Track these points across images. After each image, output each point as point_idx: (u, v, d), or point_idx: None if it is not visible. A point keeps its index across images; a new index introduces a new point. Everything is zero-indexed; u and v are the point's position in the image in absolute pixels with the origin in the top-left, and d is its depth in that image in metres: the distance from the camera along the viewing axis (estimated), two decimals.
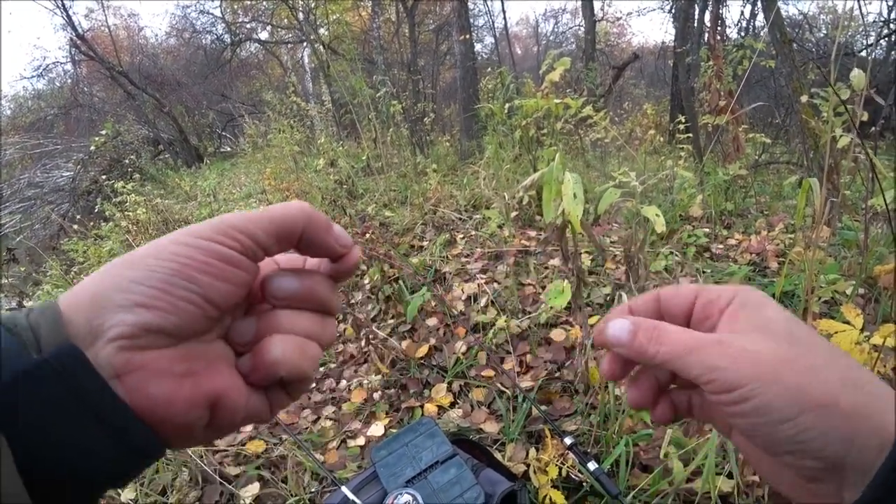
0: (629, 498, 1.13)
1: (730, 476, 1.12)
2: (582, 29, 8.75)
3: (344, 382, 1.86)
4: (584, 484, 1.20)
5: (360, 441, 1.54)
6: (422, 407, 1.60)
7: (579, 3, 8.24)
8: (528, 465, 1.25)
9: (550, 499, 1.12)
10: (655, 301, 0.33)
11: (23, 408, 0.20)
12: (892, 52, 6.62)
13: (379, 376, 1.76)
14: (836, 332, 0.98)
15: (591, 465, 1.14)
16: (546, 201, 1.22)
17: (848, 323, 1.00)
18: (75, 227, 5.51)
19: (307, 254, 0.29)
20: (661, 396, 0.33)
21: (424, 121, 4.96)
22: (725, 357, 0.26)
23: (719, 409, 0.27)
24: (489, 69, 5.60)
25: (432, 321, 1.93)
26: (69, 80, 12.17)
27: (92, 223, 6.13)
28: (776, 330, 0.27)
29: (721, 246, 2.63)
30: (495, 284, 2.04)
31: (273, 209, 0.27)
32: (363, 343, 1.94)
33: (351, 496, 0.96)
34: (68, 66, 12.00)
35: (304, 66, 11.80)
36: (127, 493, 1.46)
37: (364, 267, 2.26)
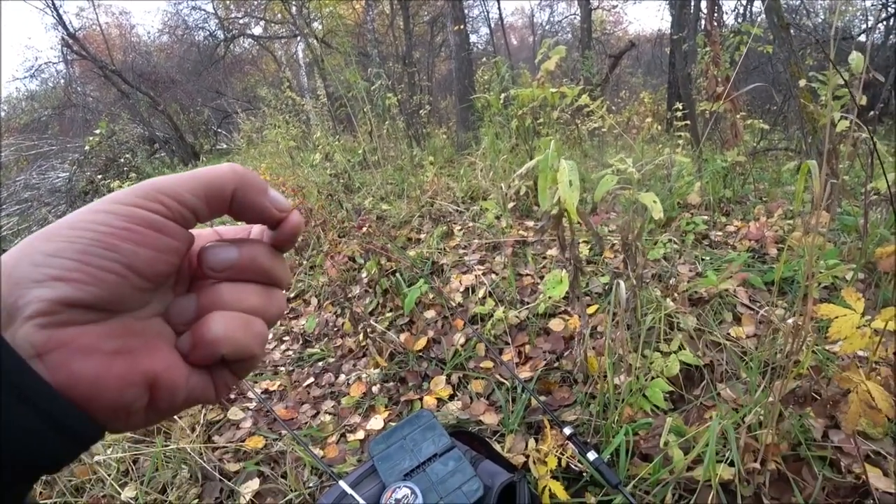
0: (629, 487, 1.12)
1: (731, 464, 1.12)
2: (578, 18, 8.67)
3: (343, 377, 1.85)
4: (584, 474, 1.20)
5: (360, 435, 1.53)
6: (421, 400, 1.59)
7: None
8: (528, 456, 1.24)
9: (550, 490, 1.12)
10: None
11: None
12: (891, 36, 6.56)
13: (378, 370, 1.75)
14: (836, 317, 0.97)
15: (591, 455, 1.13)
16: (542, 189, 1.20)
17: (849, 307, 0.99)
18: None
19: (241, 219, 0.27)
20: None
21: (420, 113, 4.93)
22: None
23: None
24: (484, 59, 5.55)
25: (430, 313, 1.92)
26: (62, 80, 12.08)
27: None
28: None
29: (720, 233, 2.61)
30: (493, 275, 2.03)
31: (202, 170, 0.25)
32: (361, 337, 1.92)
33: (349, 490, 0.95)
34: (61, 66, 11.91)
35: (298, 60, 11.71)
36: (127, 492, 1.45)
37: (361, 260, 2.25)
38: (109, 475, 1.48)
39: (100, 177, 8.51)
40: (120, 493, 1.44)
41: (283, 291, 0.29)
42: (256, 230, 0.29)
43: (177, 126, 11.45)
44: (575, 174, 1.15)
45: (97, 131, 9.03)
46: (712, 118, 3.60)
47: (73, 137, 10.81)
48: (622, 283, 1.19)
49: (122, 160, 8.95)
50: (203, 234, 0.28)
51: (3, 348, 0.19)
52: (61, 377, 0.20)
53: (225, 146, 12.03)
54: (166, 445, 1.54)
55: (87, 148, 9.00)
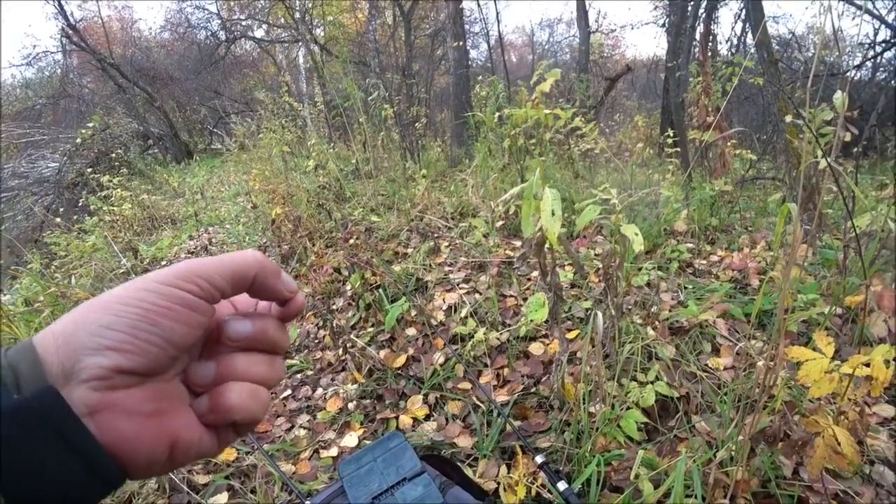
0: None
1: (703, 498, 1.12)
2: (577, 40, 8.81)
3: (320, 390, 1.83)
4: None
5: (333, 452, 1.52)
6: (397, 418, 1.58)
7: (574, 14, 8.31)
8: (499, 483, 1.24)
9: None
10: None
11: (6, 441, 0.22)
12: (877, 74, 6.74)
13: (355, 385, 1.74)
14: (806, 360, 0.98)
15: (562, 486, 1.13)
16: (525, 216, 1.21)
17: (818, 350, 1.00)
18: (58, 220, 5.41)
19: (257, 297, 0.32)
20: None
21: (416, 125, 4.95)
22: None
23: None
24: (480, 77, 5.61)
25: (412, 331, 1.91)
26: (59, 70, 11.99)
27: (76, 216, 6.03)
28: None
29: (704, 261, 2.64)
30: (477, 295, 2.03)
31: (230, 257, 0.30)
32: (341, 351, 1.91)
33: None
34: (59, 56, 11.83)
35: (298, 66, 11.74)
36: None
37: (346, 273, 2.24)
38: None
39: (90, 170, 8.42)
40: None
41: (283, 357, 0.34)
42: (263, 304, 0.34)
43: (172, 123, 11.39)
44: (558, 204, 1.16)
45: (90, 124, 8.95)
46: (702, 147, 3.66)
47: (65, 128, 10.71)
48: (599, 314, 1.20)
49: (114, 154, 8.87)
50: (220, 304, 0.32)
51: (64, 409, 0.23)
52: (109, 435, 0.24)
53: (219, 146, 11.99)
54: None
55: (78, 140, 8.92)
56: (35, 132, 10.55)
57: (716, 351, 1.73)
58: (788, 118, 2.72)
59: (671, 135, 4.09)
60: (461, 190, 3.22)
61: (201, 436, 0.29)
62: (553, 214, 1.15)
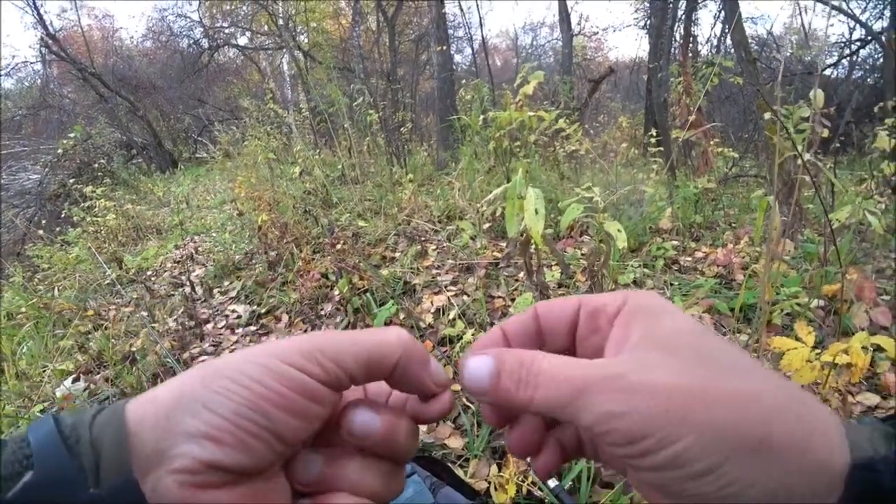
0: None
1: None
2: (560, 42, 8.91)
3: None
4: (545, 501, 1.20)
5: None
6: None
7: (557, 17, 8.40)
8: (490, 482, 1.24)
9: None
10: (534, 319, 0.28)
11: None
12: (853, 72, 6.91)
13: None
14: (787, 350, 1.00)
15: (552, 483, 1.13)
16: (509, 216, 1.22)
17: (799, 340, 1.02)
18: (40, 232, 5.33)
19: (396, 387, 0.26)
20: (546, 437, 0.28)
21: (402, 130, 4.97)
22: (622, 398, 0.21)
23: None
24: (464, 80, 5.64)
25: None
26: (38, 81, 11.84)
27: (58, 228, 5.94)
28: (681, 346, 0.22)
29: (689, 258, 2.68)
30: (465, 297, 2.03)
31: (367, 335, 0.24)
32: None
33: None
34: (38, 66, 11.68)
35: (282, 73, 11.71)
36: None
37: (333, 278, 2.24)
38: None
39: (72, 180, 8.31)
40: None
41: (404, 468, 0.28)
42: (399, 396, 0.28)
43: (156, 132, 11.29)
44: (541, 202, 1.17)
45: (72, 134, 8.83)
46: (684, 145, 3.72)
47: (46, 139, 10.56)
48: None
49: (97, 165, 8.75)
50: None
51: None
52: None
53: (204, 155, 11.90)
54: None
55: (60, 151, 8.79)
56: (15, 143, 10.39)
57: None
58: (767, 115, 2.78)
59: (654, 134, 4.14)
60: (448, 193, 3.23)
61: None
62: (536, 213, 1.16)
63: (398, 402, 0.28)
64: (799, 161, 2.19)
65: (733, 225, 3.31)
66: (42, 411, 2.16)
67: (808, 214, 2.94)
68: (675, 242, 2.77)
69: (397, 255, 2.49)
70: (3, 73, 11.86)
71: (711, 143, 4.00)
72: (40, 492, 0.19)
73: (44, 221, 6.68)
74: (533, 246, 1.34)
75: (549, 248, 1.26)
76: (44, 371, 2.44)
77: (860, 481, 0.19)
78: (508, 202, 1.22)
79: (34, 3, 10.06)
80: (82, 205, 5.90)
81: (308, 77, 5.58)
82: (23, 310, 2.76)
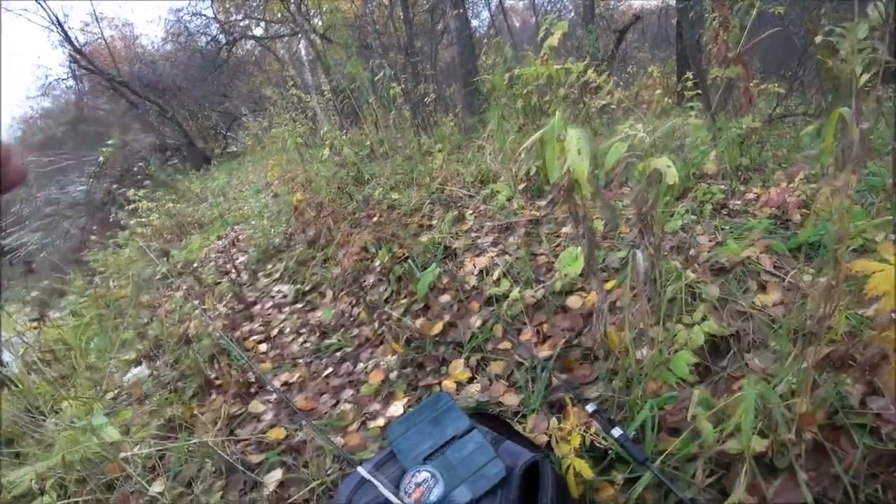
0: (657, 463, 1.08)
1: (762, 435, 1.07)
2: None
3: (361, 365, 1.84)
4: (610, 451, 1.17)
5: (380, 422, 1.52)
6: (440, 384, 1.58)
7: None
8: (551, 436, 1.22)
9: (575, 468, 1.09)
10: None
11: None
12: None
13: (395, 356, 1.74)
14: (872, 273, 0.91)
15: (616, 432, 1.10)
16: (549, 161, 1.16)
17: (886, 262, 0.93)
18: (93, 237, 5.61)
19: None
20: None
21: (426, 101, 4.88)
22: None
23: None
24: (485, 41, 5.46)
25: (445, 298, 1.90)
26: (73, 96, 12.32)
27: (109, 233, 6.25)
28: None
29: (739, 201, 2.53)
30: (507, 257, 1.99)
31: None
32: (377, 325, 1.91)
33: (367, 476, 0.93)
34: (70, 82, 12.13)
35: (301, 58, 11.71)
36: (155, 487, 1.47)
37: (374, 249, 2.24)
38: (136, 472, 1.49)
39: (115, 186, 8.68)
40: (148, 489, 1.45)
41: None
42: None
43: (186, 132, 11.58)
44: (584, 142, 1.11)
45: (109, 142, 9.17)
46: (724, 84, 3.48)
47: (87, 151, 11.02)
48: (639, 252, 1.15)
49: (136, 169, 9.09)
50: None
51: None
52: None
53: (235, 149, 12.14)
54: (190, 440, 1.55)
55: (101, 159, 9.17)
56: (61, 159, 10.90)
57: (762, 288, 1.65)
58: (818, 38, 2.55)
59: (690, 77, 3.90)
60: (479, 158, 3.16)
61: None
62: (580, 153, 1.09)
63: None
64: (859, 83, 2.00)
65: (783, 165, 3.10)
66: (114, 398, 2.29)
67: (870, 144, 2.71)
68: (721, 186, 2.62)
69: (434, 222, 2.47)
70: (40, 93, 12.39)
71: (753, 81, 3.73)
72: None
73: (95, 227, 7.03)
74: (577, 193, 1.28)
75: (594, 192, 1.20)
76: (109, 362, 2.58)
77: None
78: (548, 146, 1.15)
79: (58, 21, 10.38)
80: (127, 208, 6.16)
81: (327, 58, 5.54)
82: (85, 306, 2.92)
